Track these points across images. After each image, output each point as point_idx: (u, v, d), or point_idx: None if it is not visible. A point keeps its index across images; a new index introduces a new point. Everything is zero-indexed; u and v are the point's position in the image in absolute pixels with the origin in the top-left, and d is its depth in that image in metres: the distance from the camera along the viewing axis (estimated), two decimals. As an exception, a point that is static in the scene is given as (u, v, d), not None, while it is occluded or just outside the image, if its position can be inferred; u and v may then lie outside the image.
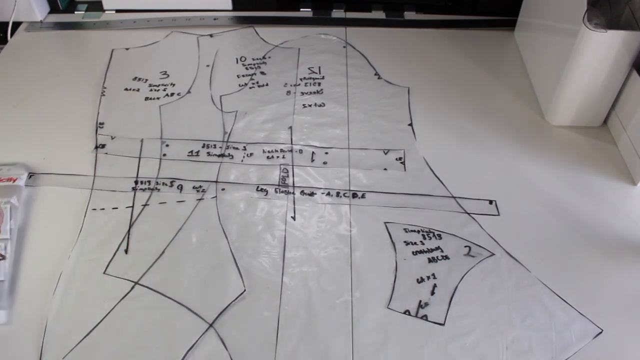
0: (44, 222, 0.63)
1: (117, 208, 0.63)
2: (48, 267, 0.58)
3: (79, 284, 0.56)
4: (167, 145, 0.72)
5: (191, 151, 0.72)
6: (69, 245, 0.60)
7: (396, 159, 0.70)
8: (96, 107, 0.78)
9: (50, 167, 0.69)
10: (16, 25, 0.96)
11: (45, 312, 0.54)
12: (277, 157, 0.71)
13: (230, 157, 0.71)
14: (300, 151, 0.72)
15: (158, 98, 0.80)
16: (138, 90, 0.81)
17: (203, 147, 0.72)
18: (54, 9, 1.00)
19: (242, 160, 0.70)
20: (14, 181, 0.65)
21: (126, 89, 0.82)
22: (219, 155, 0.71)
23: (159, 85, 0.83)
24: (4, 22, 0.94)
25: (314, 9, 1.01)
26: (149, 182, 0.68)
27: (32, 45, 0.92)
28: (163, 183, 0.67)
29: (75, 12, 1.00)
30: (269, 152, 0.72)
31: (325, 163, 0.70)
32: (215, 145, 0.72)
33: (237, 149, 0.72)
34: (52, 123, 0.76)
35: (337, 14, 1.00)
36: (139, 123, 0.76)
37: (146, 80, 0.83)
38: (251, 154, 0.71)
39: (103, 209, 0.64)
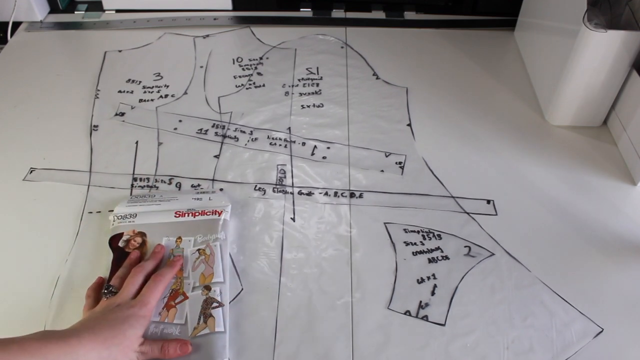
0: (42, 222, 0.63)
1: (112, 211, 0.63)
2: (46, 271, 0.57)
3: (77, 288, 0.56)
4: (180, 121, 0.76)
5: (200, 129, 0.74)
6: (67, 248, 0.60)
7: (396, 163, 0.70)
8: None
9: (50, 166, 0.69)
10: (16, 25, 0.96)
11: (43, 316, 0.53)
12: (280, 144, 0.72)
13: (236, 139, 0.72)
14: (303, 144, 0.72)
15: (152, 100, 0.80)
16: (132, 92, 0.81)
17: (213, 126, 0.75)
18: (54, 9, 1.00)
19: (245, 145, 0.72)
20: (220, 214, 0.60)
21: (120, 91, 0.81)
22: (225, 136, 0.73)
23: (153, 87, 0.82)
24: (4, 22, 0.94)
25: (314, 9, 1.01)
26: (148, 179, 0.68)
27: (32, 45, 0.92)
28: (162, 180, 0.67)
29: (75, 12, 1.00)
30: (272, 139, 0.73)
31: (324, 158, 0.70)
32: (224, 126, 0.75)
33: (243, 132, 0.74)
34: (52, 123, 0.76)
35: (337, 14, 1.00)
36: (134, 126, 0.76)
37: (140, 82, 0.83)
38: (255, 139, 0.73)
39: (99, 212, 0.64)
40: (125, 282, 0.52)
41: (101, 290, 0.53)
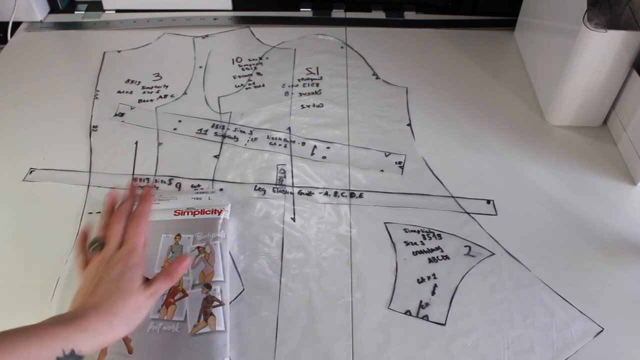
0: (42, 223, 0.63)
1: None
2: (46, 272, 0.57)
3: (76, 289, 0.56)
4: (179, 121, 0.76)
5: (200, 129, 0.74)
6: (67, 249, 0.59)
7: (396, 162, 0.70)
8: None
9: (50, 167, 0.69)
10: (16, 25, 0.96)
11: (44, 317, 0.53)
12: (280, 144, 0.72)
13: (236, 139, 0.72)
14: (303, 143, 0.72)
15: (151, 100, 0.80)
16: (131, 92, 0.81)
17: (212, 126, 0.75)
18: (54, 9, 1.00)
19: (245, 145, 0.72)
20: (219, 213, 0.60)
21: (119, 92, 0.81)
22: (225, 136, 0.73)
23: (152, 87, 0.82)
24: (4, 22, 0.94)
25: (314, 9, 1.01)
26: (147, 179, 0.68)
27: (32, 45, 0.92)
28: (162, 180, 0.67)
29: (75, 12, 1.00)
30: (272, 138, 0.73)
31: (324, 157, 0.70)
32: (224, 126, 0.75)
33: (243, 132, 0.74)
34: (52, 123, 0.76)
35: (337, 14, 1.00)
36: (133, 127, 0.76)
37: (139, 82, 0.83)
38: (255, 139, 0.73)
39: (99, 212, 0.63)
40: (107, 232, 0.51)
41: (87, 245, 0.52)
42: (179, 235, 0.57)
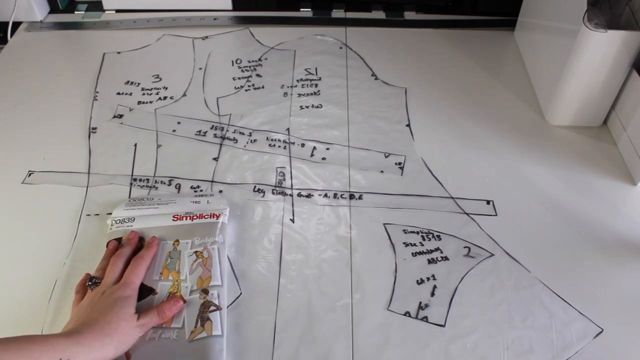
0: (40, 224, 0.62)
1: (111, 213, 0.62)
2: (44, 273, 0.57)
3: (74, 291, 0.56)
4: (178, 123, 0.75)
5: (199, 131, 0.74)
6: (65, 251, 0.59)
7: (395, 163, 0.70)
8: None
9: (50, 167, 0.69)
10: (16, 25, 0.96)
11: (41, 319, 0.53)
12: (279, 146, 0.72)
13: (235, 141, 0.72)
14: (302, 145, 0.72)
15: (151, 102, 0.80)
16: (130, 94, 0.81)
17: (211, 128, 0.75)
18: (54, 9, 1.00)
19: (244, 146, 0.72)
20: (218, 218, 0.60)
21: (118, 93, 0.81)
22: (224, 138, 0.73)
23: (152, 89, 0.82)
24: (4, 22, 0.94)
25: (314, 9, 1.01)
26: (147, 179, 0.68)
27: (32, 45, 0.92)
28: (162, 182, 0.67)
29: (75, 12, 1.00)
30: (271, 140, 0.73)
31: (324, 159, 0.70)
32: (223, 128, 0.74)
33: (242, 134, 0.74)
34: (52, 123, 0.76)
35: (337, 14, 1.00)
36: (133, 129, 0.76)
37: (138, 84, 0.83)
38: (254, 141, 0.73)
39: (97, 214, 0.64)
40: (106, 270, 0.54)
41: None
42: (177, 241, 0.57)
